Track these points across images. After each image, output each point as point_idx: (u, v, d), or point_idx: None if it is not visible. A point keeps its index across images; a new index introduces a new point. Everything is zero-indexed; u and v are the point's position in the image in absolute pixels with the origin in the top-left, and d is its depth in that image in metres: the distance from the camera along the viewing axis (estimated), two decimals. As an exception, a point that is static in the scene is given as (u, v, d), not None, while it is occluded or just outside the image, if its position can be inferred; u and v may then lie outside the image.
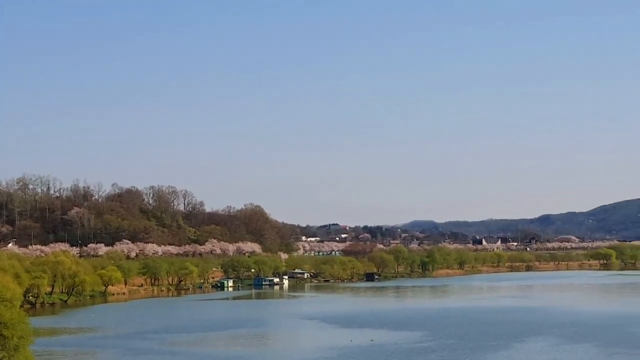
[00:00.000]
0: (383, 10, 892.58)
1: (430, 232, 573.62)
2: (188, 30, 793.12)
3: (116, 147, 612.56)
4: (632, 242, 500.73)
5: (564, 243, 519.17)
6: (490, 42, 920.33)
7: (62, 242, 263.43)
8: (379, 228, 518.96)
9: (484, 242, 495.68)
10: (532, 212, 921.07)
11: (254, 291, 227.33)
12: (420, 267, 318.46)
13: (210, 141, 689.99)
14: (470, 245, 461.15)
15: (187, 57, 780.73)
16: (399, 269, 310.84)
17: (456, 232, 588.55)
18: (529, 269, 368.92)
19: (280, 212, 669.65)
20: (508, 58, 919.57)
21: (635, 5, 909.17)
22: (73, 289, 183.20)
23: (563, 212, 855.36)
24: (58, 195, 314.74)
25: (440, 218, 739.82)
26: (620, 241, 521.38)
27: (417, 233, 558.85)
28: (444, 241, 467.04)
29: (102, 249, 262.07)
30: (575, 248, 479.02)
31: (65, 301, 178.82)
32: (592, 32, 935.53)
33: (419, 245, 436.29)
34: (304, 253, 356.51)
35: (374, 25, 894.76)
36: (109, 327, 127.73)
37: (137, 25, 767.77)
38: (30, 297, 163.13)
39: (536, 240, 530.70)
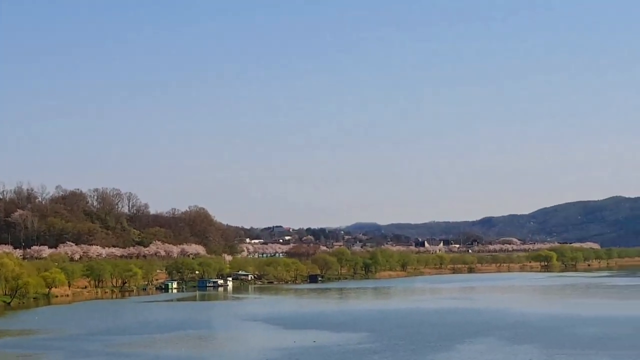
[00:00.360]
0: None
1: (373, 234, 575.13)
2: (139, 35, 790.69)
3: (59, 149, 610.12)
4: (572, 244, 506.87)
5: (505, 245, 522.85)
6: (421, 46, 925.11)
7: (5, 244, 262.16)
8: (322, 230, 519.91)
9: (426, 244, 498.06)
10: (474, 214, 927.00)
11: (198, 293, 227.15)
12: (363, 268, 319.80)
13: (155, 143, 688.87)
14: (412, 247, 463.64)
15: (141, 58, 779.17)
16: (342, 271, 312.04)
17: (399, 234, 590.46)
18: (471, 270, 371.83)
19: (225, 215, 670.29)
20: (442, 59, 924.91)
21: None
22: (16, 291, 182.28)
23: (505, 214, 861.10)
24: (1, 197, 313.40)
25: (383, 220, 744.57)
26: (560, 243, 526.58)
27: (360, 235, 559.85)
28: (387, 243, 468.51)
29: (46, 251, 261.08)
30: (517, 250, 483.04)
31: (9, 303, 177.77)
32: (511, 33, 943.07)
33: (361, 247, 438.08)
34: (247, 255, 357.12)
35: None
36: (52, 329, 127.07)
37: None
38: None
39: (478, 243, 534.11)
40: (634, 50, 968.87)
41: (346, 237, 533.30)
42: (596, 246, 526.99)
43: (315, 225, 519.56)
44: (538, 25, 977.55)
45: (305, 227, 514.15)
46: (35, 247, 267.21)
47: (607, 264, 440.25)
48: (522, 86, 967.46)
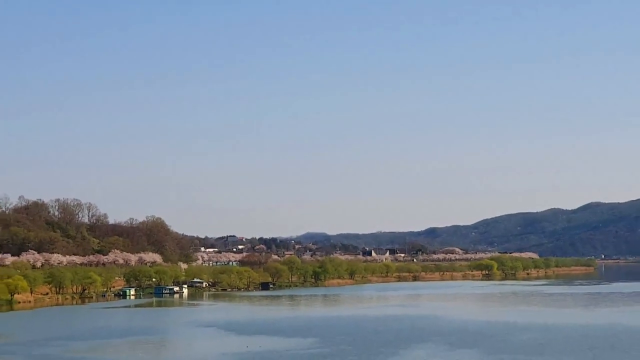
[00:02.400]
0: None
1: (323, 244, 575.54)
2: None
3: (22, 159, 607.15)
4: (512, 254, 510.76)
5: (448, 255, 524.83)
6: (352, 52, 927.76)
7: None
8: (273, 240, 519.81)
9: (373, 253, 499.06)
10: (419, 225, 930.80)
11: (154, 299, 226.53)
12: (313, 277, 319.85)
13: (113, 154, 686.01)
14: (360, 257, 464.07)
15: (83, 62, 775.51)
16: (292, 279, 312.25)
17: (347, 243, 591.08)
18: (415, 279, 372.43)
19: (180, 224, 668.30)
20: (381, 74, 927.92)
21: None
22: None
23: (448, 225, 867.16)
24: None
25: (331, 230, 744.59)
26: (501, 253, 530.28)
27: (310, 244, 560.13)
28: (336, 252, 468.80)
29: (9, 259, 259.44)
30: (460, 259, 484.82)
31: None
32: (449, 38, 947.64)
33: (311, 256, 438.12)
34: (202, 263, 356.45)
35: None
36: (14, 334, 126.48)
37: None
38: None
39: (422, 252, 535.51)
40: (568, 68, 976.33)
41: (297, 246, 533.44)
42: (535, 256, 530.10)
43: (267, 235, 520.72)
44: (469, 37, 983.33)
45: (257, 237, 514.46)
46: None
47: (545, 273, 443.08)
48: (460, 102, 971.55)
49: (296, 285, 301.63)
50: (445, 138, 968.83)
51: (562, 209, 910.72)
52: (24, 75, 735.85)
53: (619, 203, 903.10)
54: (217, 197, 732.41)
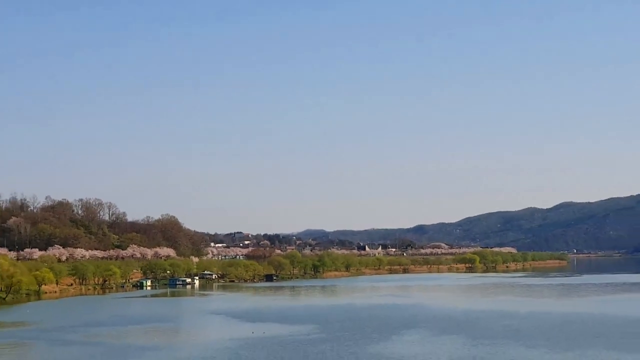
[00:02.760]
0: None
1: (321, 240, 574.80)
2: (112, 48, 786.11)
3: (49, 162, 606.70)
4: (492, 249, 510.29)
5: (435, 249, 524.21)
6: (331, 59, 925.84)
7: (0, 247, 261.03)
8: (276, 236, 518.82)
9: (367, 248, 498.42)
10: (408, 222, 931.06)
11: (169, 290, 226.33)
12: (312, 269, 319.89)
13: (133, 157, 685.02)
14: (355, 251, 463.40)
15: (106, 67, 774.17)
16: (294, 271, 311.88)
17: (343, 239, 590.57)
18: (405, 271, 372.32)
19: (192, 222, 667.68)
20: (371, 77, 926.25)
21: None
22: (10, 288, 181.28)
23: (435, 222, 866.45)
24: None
25: (329, 227, 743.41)
26: (482, 248, 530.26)
27: (310, 240, 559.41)
28: (333, 247, 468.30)
29: (37, 253, 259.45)
30: (445, 254, 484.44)
31: (4, 298, 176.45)
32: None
33: (311, 250, 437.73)
34: (212, 257, 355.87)
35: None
36: (41, 321, 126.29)
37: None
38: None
39: (412, 247, 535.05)
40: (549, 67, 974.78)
41: (297, 242, 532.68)
42: (513, 250, 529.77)
43: (270, 232, 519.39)
44: (459, 39, 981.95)
45: (262, 233, 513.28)
46: (27, 250, 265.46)
47: (523, 266, 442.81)
48: (447, 112, 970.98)
49: (297, 277, 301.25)
50: (433, 145, 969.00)
51: (538, 208, 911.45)
52: (47, 84, 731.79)
53: (589, 203, 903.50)
54: (225, 197, 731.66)
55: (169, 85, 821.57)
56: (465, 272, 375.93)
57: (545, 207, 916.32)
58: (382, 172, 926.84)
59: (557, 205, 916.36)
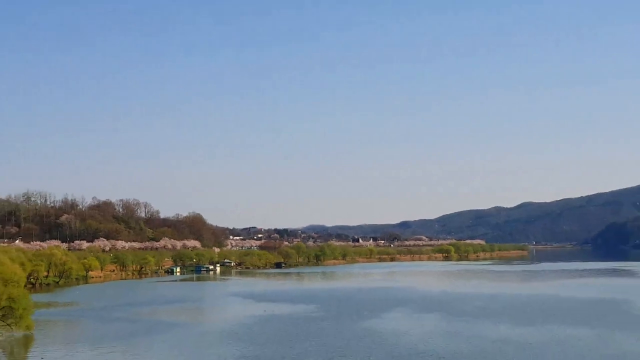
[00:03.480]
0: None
1: (322, 233, 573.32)
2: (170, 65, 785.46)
3: (95, 167, 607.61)
4: (465, 241, 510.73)
5: (417, 241, 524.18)
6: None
7: (55, 239, 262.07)
8: (285, 230, 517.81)
9: (360, 240, 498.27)
10: (395, 219, 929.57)
11: (195, 275, 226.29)
12: (315, 258, 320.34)
13: (165, 162, 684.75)
14: (350, 243, 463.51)
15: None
16: (299, 260, 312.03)
17: (340, 233, 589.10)
18: (392, 260, 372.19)
19: (215, 218, 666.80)
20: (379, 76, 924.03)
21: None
22: (63, 273, 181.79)
23: (417, 219, 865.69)
24: (53, 205, 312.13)
25: (329, 223, 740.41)
26: (457, 240, 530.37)
27: (312, 234, 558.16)
28: (332, 240, 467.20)
29: (85, 244, 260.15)
30: (425, 245, 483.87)
31: (57, 282, 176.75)
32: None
33: (313, 242, 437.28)
34: (231, 248, 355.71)
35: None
36: (88, 302, 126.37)
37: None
38: (32, 280, 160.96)
39: (397, 239, 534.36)
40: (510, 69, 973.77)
41: (302, 235, 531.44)
42: (482, 242, 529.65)
43: (280, 226, 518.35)
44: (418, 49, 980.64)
45: (272, 228, 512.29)
46: (77, 242, 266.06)
47: (490, 255, 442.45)
48: (427, 124, 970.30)
49: (302, 265, 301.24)
50: (417, 153, 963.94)
51: (503, 207, 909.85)
52: (86, 100, 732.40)
53: (546, 202, 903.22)
54: (242, 197, 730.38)
55: (193, 99, 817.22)
56: (442, 260, 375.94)
57: (509, 206, 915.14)
58: (373, 175, 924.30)
59: (519, 204, 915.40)
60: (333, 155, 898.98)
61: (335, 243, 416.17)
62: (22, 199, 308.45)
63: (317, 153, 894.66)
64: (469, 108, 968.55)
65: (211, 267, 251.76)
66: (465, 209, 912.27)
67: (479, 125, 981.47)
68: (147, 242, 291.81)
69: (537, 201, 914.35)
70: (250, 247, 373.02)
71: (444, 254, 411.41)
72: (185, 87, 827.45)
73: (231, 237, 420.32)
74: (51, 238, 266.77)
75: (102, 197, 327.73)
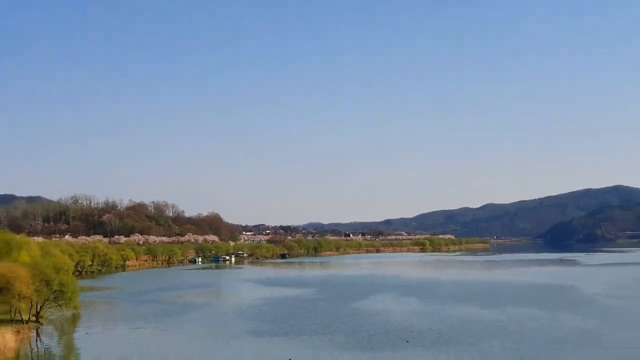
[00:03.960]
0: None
1: (319, 229, 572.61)
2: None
3: (132, 173, 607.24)
4: (438, 236, 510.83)
5: (398, 236, 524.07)
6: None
7: (98, 235, 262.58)
8: (288, 227, 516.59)
9: (351, 235, 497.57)
10: (379, 217, 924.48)
11: (214, 264, 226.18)
12: (313, 250, 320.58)
13: (190, 169, 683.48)
14: (343, 238, 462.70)
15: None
16: (300, 251, 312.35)
17: (334, 229, 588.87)
18: (377, 251, 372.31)
19: (230, 216, 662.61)
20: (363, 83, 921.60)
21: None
22: (104, 263, 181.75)
23: (398, 217, 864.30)
24: (96, 206, 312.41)
25: (325, 221, 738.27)
26: (431, 235, 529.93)
27: (311, 230, 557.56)
28: (327, 235, 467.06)
29: (122, 239, 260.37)
30: (405, 239, 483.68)
31: (100, 270, 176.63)
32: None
33: (312, 237, 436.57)
34: (244, 241, 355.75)
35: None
36: (125, 286, 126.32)
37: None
38: (79, 268, 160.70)
39: (381, 235, 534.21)
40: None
41: (303, 231, 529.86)
42: (452, 237, 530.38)
43: (284, 224, 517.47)
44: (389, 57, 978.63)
45: (278, 225, 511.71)
46: (116, 237, 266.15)
47: (459, 248, 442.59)
48: (404, 134, 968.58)
49: (303, 256, 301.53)
50: (397, 160, 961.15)
51: (470, 207, 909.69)
52: (135, 107, 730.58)
53: (505, 204, 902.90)
54: (253, 199, 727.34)
55: (207, 111, 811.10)
56: (419, 252, 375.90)
57: (475, 207, 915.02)
58: (362, 180, 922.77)
59: (483, 205, 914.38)
60: (329, 165, 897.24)
61: (330, 238, 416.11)
62: (70, 201, 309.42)
63: (316, 163, 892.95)
64: (437, 124, 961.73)
65: (227, 257, 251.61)
66: (438, 209, 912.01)
67: (450, 138, 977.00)
68: (174, 237, 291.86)
69: (498, 203, 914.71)
70: (260, 241, 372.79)
71: (420, 247, 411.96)
72: (203, 103, 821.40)
73: (244, 232, 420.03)
74: (95, 234, 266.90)
75: (137, 200, 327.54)
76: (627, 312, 77.59)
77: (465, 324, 67.79)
